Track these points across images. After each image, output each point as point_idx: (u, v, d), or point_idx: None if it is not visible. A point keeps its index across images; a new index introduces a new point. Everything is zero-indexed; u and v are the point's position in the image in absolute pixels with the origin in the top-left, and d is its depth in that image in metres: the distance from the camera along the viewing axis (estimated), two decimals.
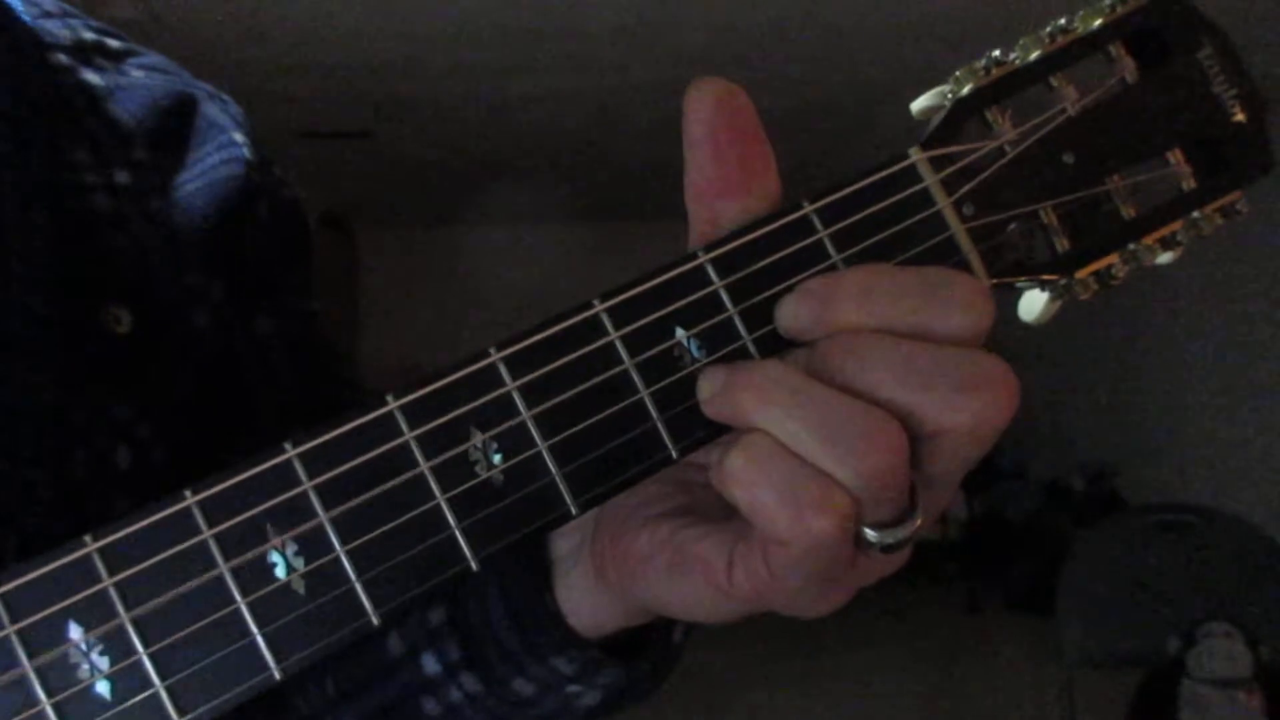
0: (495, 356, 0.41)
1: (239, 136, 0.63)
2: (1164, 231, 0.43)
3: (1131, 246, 0.43)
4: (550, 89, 4.70)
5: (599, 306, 0.41)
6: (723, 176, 0.42)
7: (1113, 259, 0.43)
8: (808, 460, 0.38)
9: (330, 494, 0.39)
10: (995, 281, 0.43)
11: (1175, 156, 0.43)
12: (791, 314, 0.41)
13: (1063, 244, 0.43)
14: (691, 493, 0.45)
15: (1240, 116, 0.42)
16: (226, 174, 0.61)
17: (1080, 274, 0.43)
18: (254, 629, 0.39)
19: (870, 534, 0.39)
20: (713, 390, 0.40)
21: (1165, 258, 0.43)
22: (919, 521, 0.39)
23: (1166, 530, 2.90)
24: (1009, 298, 0.43)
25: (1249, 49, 0.43)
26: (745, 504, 0.39)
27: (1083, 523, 4.88)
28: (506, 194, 6.51)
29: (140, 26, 3.56)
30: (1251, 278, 5.05)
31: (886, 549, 0.40)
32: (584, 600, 0.49)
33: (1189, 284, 5.43)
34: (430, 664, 0.53)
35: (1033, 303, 0.44)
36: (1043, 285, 0.43)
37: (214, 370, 0.59)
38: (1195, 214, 0.43)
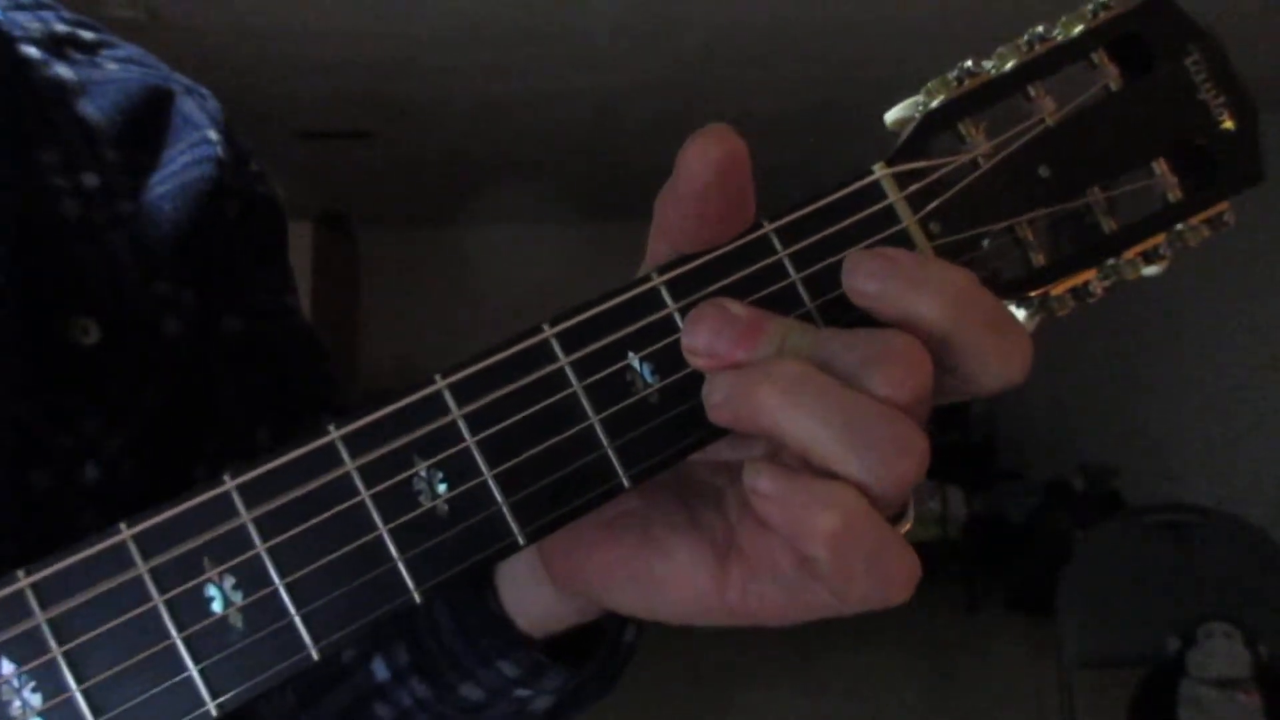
0: (441, 384, 0.39)
1: (213, 134, 0.62)
2: (1146, 245, 0.41)
3: (1111, 261, 0.41)
4: (550, 89, 4.69)
5: (548, 331, 0.40)
6: (702, 229, 0.40)
7: (1089, 275, 0.41)
8: (823, 463, 0.35)
9: (270, 526, 0.38)
10: None
11: (1160, 167, 0.41)
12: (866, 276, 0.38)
13: (1038, 259, 0.41)
14: (644, 494, 0.43)
15: (1229, 124, 0.40)
16: (196, 175, 0.60)
17: (1055, 290, 0.41)
18: (189, 664, 0.38)
19: None
20: (726, 392, 0.37)
21: (1150, 270, 0.41)
22: (908, 526, 0.37)
23: (1166, 530, 2.89)
24: None
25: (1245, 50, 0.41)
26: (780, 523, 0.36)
27: (1083, 523, 4.87)
28: (506, 194, 6.51)
29: (140, 26, 3.56)
30: (1252, 278, 5.04)
31: None
32: (530, 600, 0.48)
33: (1189, 284, 5.42)
34: (380, 669, 0.52)
35: None
36: (1017, 302, 0.41)
37: (184, 377, 0.58)
38: (1180, 226, 0.41)
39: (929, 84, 0.41)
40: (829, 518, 0.35)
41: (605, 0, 3.68)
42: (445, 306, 7.31)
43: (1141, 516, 3.12)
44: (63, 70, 0.58)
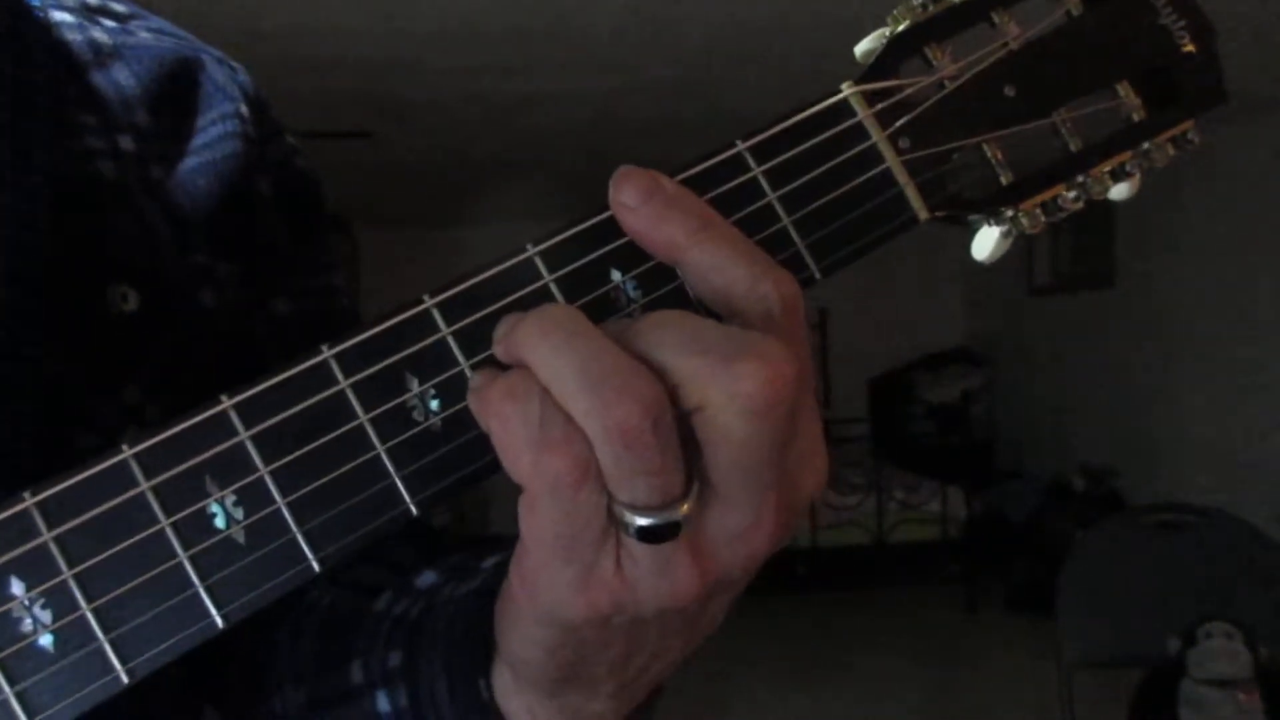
0: (429, 303, 0.41)
1: (243, 108, 0.62)
2: (1113, 163, 0.42)
3: (1080, 178, 0.42)
4: (550, 89, 4.69)
5: (531, 250, 0.42)
6: None
7: (1059, 189, 0.42)
8: (562, 404, 0.37)
9: (268, 444, 0.39)
10: (938, 214, 0.42)
11: (1124, 89, 0.43)
12: None
13: (1007, 177, 0.42)
14: None
15: (1190, 47, 0.42)
16: (227, 150, 0.61)
17: (1025, 205, 0.42)
18: (195, 581, 0.39)
19: (625, 513, 0.37)
20: (505, 329, 0.39)
21: (1119, 190, 0.43)
22: (685, 508, 0.37)
23: (1166, 530, 2.88)
24: (965, 239, 0.43)
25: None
26: (493, 434, 0.38)
27: (1083, 523, 4.86)
28: (507, 194, 6.50)
29: None
30: (1252, 278, 5.04)
31: (643, 534, 0.37)
32: (511, 690, 0.47)
33: (1189, 284, 5.43)
34: (382, 702, 0.53)
35: (984, 240, 0.43)
36: (988, 218, 0.42)
37: (229, 353, 0.58)
38: (1146, 145, 0.43)
39: (895, 11, 0.42)
40: (496, 386, 0.38)
41: (605, 0, 3.69)
42: None
43: (1141, 516, 3.12)
44: (98, 34, 0.59)
